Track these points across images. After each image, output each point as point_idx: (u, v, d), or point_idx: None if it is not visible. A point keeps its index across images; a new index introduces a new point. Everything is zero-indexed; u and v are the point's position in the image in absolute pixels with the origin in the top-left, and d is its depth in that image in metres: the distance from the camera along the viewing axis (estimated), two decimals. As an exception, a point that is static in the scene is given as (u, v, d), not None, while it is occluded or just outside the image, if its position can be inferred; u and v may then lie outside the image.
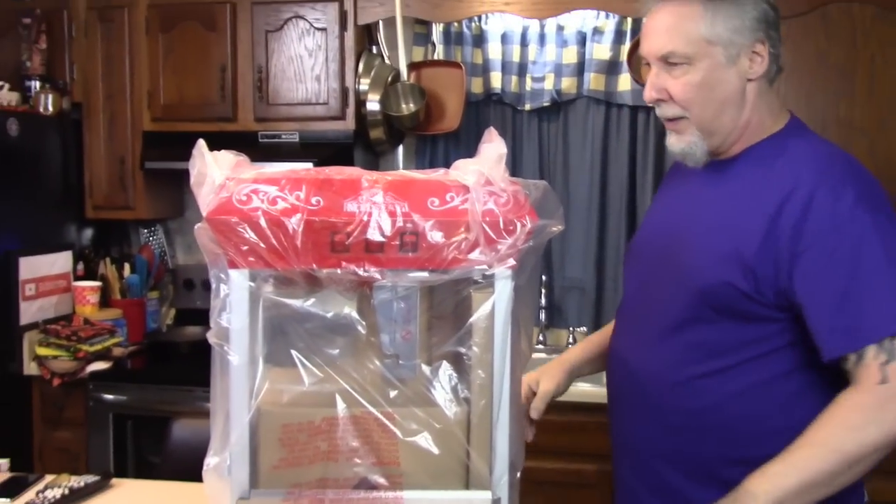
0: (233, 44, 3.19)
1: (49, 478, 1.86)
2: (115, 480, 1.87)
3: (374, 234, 1.15)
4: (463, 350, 1.19)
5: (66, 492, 1.74)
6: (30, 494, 1.76)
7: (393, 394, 1.19)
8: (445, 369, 1.20)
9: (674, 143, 1.50)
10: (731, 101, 1.44)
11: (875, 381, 1.30)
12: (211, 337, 1.15)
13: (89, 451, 3.05)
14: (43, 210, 3.24)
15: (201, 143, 1.18)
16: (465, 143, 3.29)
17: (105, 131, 3.31)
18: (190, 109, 3.23)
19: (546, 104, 3.26)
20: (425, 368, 1.20)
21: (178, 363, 3.19)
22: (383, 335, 1.19)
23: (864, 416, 1.29)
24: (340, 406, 1.18)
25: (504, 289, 1.17)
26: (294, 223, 1.13)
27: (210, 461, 1.19)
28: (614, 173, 3.25)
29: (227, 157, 1.18)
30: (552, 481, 2.68)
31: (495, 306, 1.17)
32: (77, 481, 1.80)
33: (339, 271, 1.15)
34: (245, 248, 1.13)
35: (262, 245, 1.13)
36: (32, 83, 3.24)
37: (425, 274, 1.17)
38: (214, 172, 1.13)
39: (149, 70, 3.26)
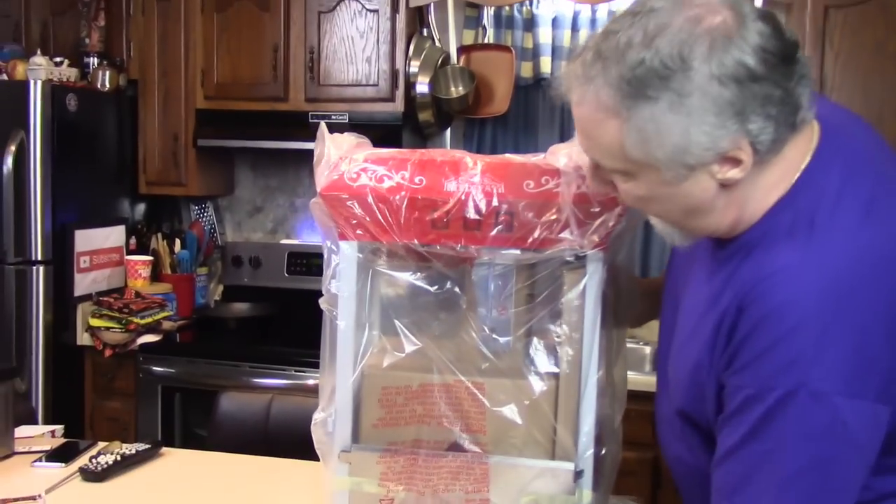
0: (286, 24, 3.23)
1: (101, 444, 1.89)
2: (164, 449, 1.88)
3: (470, 213, 1.20)
4: (553, 327, 1.24)
5: (118, 458, 1.76)
6: (83, 459, 1.78)
7: (485, 365, 1.24)
8: (536, 345, 1.25)
9: (651, 218, 1.11)
10: (698, 209, 1.02)
11: None
12: (322, 303, 1.24)
13: (138, 421, 3.13)
14: (98, 184, 3.31)
15: (323, 126, 1.24)
16: (513, 128, 3.31)
17: (159, 108, 3.37)
18: (242, 88, 3.28)
19: (595, 90, 3.28)
20: (518, 343, 1.25)
21: (225, 338, 3.26)
22: (480, 310, 1.24)
23: None
24: (435, 374, 1.24)
25: (595, 269, 1.22)
26: (398, 200, 1.20)
27: (317, 417, 1.27)
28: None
29: (348, 139, 1.26)
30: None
31: (586, 286, 1.22)
32: (129, 448, 1.81)
33: (438, 247, 1.21)
34: (354, 221, 1.20)
35: (368, 219, 1.20)
36: (91, 59, 3.30)
37: (518, 252, 1.22)
38: (331, 152, 1.20)
39: (203, 49, 3.30)
